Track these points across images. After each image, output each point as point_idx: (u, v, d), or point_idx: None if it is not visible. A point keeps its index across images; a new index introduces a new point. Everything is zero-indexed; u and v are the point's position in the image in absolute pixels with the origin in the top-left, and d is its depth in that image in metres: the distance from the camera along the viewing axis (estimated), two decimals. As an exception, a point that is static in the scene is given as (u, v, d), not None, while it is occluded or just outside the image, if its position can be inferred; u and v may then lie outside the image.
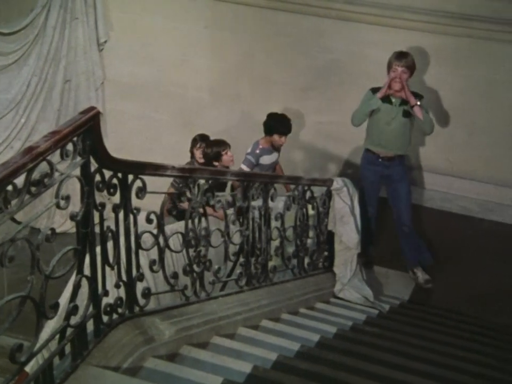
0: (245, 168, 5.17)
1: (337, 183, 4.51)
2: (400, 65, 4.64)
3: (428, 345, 3.67)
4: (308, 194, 4.36)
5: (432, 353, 3.50)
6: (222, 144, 5.07)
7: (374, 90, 4.81)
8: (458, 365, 3.38)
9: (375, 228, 5.25)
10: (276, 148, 5.30)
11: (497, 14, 4.94)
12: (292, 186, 4.46)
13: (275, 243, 3.96)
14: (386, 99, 4.78)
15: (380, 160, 4.94)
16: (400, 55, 4.68)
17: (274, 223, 3.90)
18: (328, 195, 4.57)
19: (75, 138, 2.19)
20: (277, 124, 5.19)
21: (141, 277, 2.73)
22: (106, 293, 2.51)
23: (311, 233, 4.48)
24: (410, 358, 3.32)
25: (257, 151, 5.23)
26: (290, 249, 4.26)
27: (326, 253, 4.71)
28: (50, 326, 2.65)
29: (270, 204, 3.80)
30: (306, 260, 4.43)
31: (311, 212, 4.46)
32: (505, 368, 3.53)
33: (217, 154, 5.02)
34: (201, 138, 5.30)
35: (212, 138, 5.31)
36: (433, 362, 3.32)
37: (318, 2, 5.45)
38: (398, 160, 4.96)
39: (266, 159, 5.25)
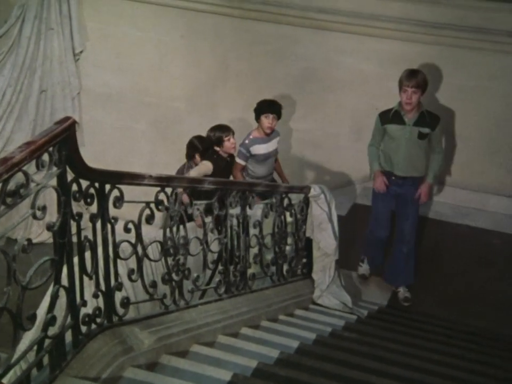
0: (239, 161, 5.10)
1: (315, 190, 4.54)
2: (410, 85, 4.38)
3: (405, 350, 3.71)
4: (286, 201, 4.39)
5: (409, 358, 3.54)
6: (225, 130, 4.98)
7: (382, 115, 4.66)
8: (434, 369, 3.42)
9: (382, 253, 5.04)
10: (270, 136, 5.14)
11: (465, 23, 5.05)
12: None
13: (254, 250, 3.96)
14: (398, 119, 4.58)
15: (393, 178, 4.71)
16: (410, 75, 4.42)
17: (252, 231, 3.91)
18: (306, 202, 4.58)
19: (51, 149, 2.19)
20: (261, 104, 5.06)
21: (119, 287, 2.73)
22: (84, 303, 2.51)
23: (289, 240, 4.50)
24: (388, 363, 3.35)
25: (247, 141, 5.11)
26: (269, 257, 4.27)
27: (304, 260, 4.72)
28: (28, 337, 2.63)
29: (248, 211, 3.81)
30: (285, 267, 4.44)
31: (289, 219, 4.47)
32: (482, 371, 3.58)
33: (219, 139, 4.94)
34: (201, 142, 5.16)
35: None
36: (411, 367, 3.35)
37: (292, 11, 5.50)
38: (411, 180, 4.73)
39: (259, 149, 5.12)
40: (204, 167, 4.97)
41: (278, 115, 5.09)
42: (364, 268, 5.26)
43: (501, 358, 3.94)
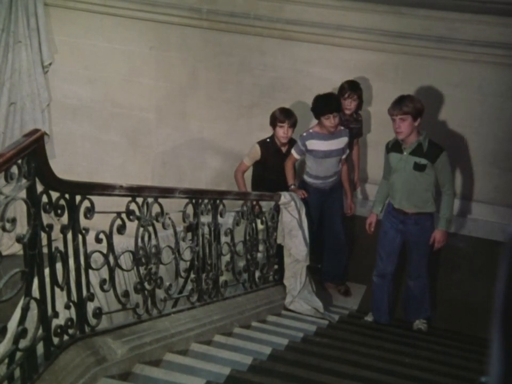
0: (293, 152, 4.82)
1: (285, 197, 4.59)
2: (395, 113, 4.15)
3: (375, 353, 3.77)
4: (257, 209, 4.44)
5: (379, 361, 3.60)
6: (283, 115, 4.78)
7: (387, 143, 4.47)
8: (404, 371, 3.49)
9: (386, 298, 4.70)
10: (335, 134, 4.77)
11: (429, 32, 5.17)
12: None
13: (226, 258, 4.00)
14: (398, 148, 4.34)
15: (396, 211, 4.46)
16: (395, 103, 4.17)
17: (224, 239, 3.94)
18: (277, 209, 4.64)
19: (19, 161, 2.20)
20: (317, 104, 4.66)
21: (91, 297, 2.74)
22: (56, 315, 2.51)
23: (260, 247, 4.54)
24: (359, 367, 3.41)
25: (305, 134, 4.76)
26: (240, 264, 4.31)
27: (276, 266, 4.77)
28: (-1, 351, 2.62)
29: (220, 219, 3.84)
30: (257, 274, 4.48)
31: (260, 226, 4.53)
32: (448, 372, 3.66)
33: (274, 121, 4.84)
34: (351, 88, 4.88)
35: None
36: (381, 370, 3.42)
37: (260, 22, 5.57)
38: (414, 219, 4.42)
39: (317, 145, 4.75)
40: (253, 149, 4.99)
41: (338, 111, 4.70)
42: (369, 316, 4.91)
43: (465, 359, 4.03)
